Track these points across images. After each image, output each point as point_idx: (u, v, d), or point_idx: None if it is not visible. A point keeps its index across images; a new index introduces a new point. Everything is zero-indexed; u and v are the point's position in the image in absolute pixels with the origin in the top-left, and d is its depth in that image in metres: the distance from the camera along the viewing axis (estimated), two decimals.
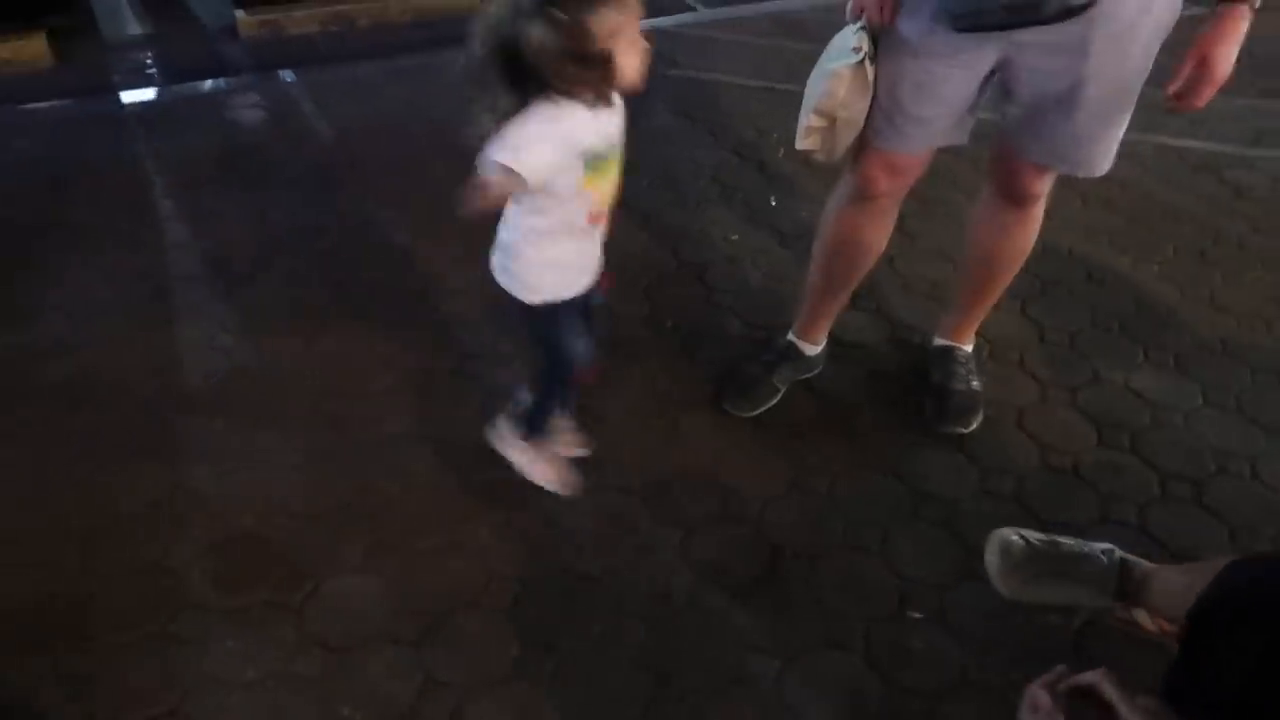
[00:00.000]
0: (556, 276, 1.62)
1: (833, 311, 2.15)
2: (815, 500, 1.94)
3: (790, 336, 2.20)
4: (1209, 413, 2.21)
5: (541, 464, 1.93)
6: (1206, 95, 1.55)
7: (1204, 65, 1.52)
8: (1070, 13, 1.46)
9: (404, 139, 3.23)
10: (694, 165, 3.15)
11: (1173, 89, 1.57)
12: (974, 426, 2.11)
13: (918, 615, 1.73)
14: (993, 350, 2.34)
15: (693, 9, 4.64)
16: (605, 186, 1.54)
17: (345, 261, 2.62)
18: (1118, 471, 2.04)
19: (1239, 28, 1.51)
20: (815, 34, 4.24)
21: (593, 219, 1.56)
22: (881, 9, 1.67)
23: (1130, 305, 2.56)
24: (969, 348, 2.22)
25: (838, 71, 1.70)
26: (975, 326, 2.20)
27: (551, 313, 1.65)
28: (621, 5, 1.33)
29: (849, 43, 1.71)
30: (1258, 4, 1.49)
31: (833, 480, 1.98)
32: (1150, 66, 1.63)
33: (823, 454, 2.04)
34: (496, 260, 1.64)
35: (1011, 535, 1.70)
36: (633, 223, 2.77)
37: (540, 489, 1.92)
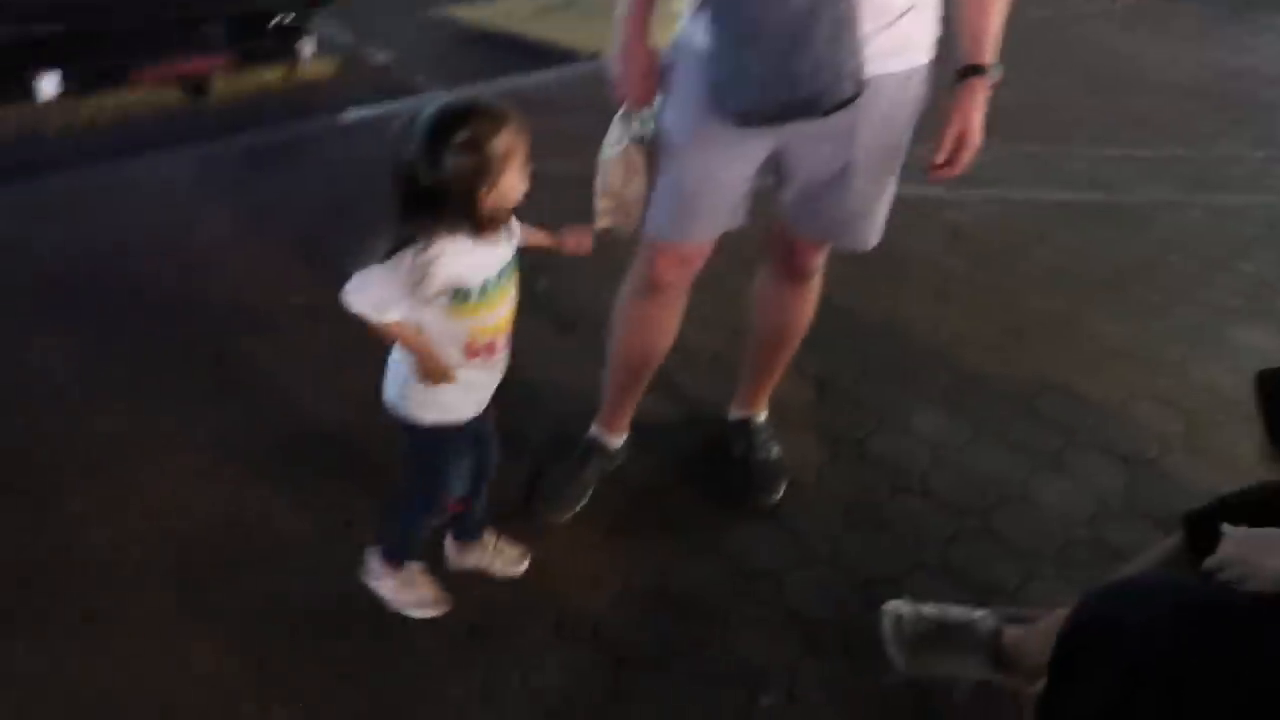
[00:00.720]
0: (442, 396, 1.56)
1: (635, 401, 2.14)
2: (647, 601, 1.90)
3: (593, 431, 2.16)
4: (979, 444, 2.39)
5: (410, 589, 1.82)
6: (967, 160, 1.68)
7: (964, 136, 1.65)
8: (842, 104, 1.53)
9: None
10: None
11: (940, 159, 1.68)
12: (781, 494, 2.16)
13: (768, 702, 1.72)
14: (780, 413, 2.42)
15: (420, 90, 4.55)
16: (486, 318, 1.51)
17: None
18: (915, 516, 2.16)
19: (984, 96, 1.65)
20: (562, 107, 4.34)
21: (471, 352, 1.53)
22: (646, 97, 1.69)
23: (894, 350, 2.74)
24: (763, 416, 2.28)
25: (609, 160, 1.73)
26: (767, 395, 2.27)
27: (439, 435, 1.60)
28: (514, 128, 1.39)
29: (615, 130, 1.73)
30: (998, 76, 1.64)
31: (660, 575, 1.95)
32: (909, 140, 1.74)
33: (645, 548, 2.01)
34: (388, 376, 1.60)
35: (903, 608, 1.73)
36: None
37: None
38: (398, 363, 1.58)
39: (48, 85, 3.51)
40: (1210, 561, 1.24)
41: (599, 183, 1.75)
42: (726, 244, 1.90)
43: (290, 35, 4.08)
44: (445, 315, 1.48)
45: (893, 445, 2.37)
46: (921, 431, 2.42)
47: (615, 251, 1.98)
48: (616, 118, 1.75)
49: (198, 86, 3.86)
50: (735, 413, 2.28)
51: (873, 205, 1.81)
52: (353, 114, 4.10)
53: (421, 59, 4.90)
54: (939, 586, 1.94)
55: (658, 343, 2.01)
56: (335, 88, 4.29)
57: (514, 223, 1.53)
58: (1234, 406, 2.53)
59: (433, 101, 1.40)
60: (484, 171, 1.37)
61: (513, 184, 1.42)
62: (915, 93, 1.68)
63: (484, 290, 1.48)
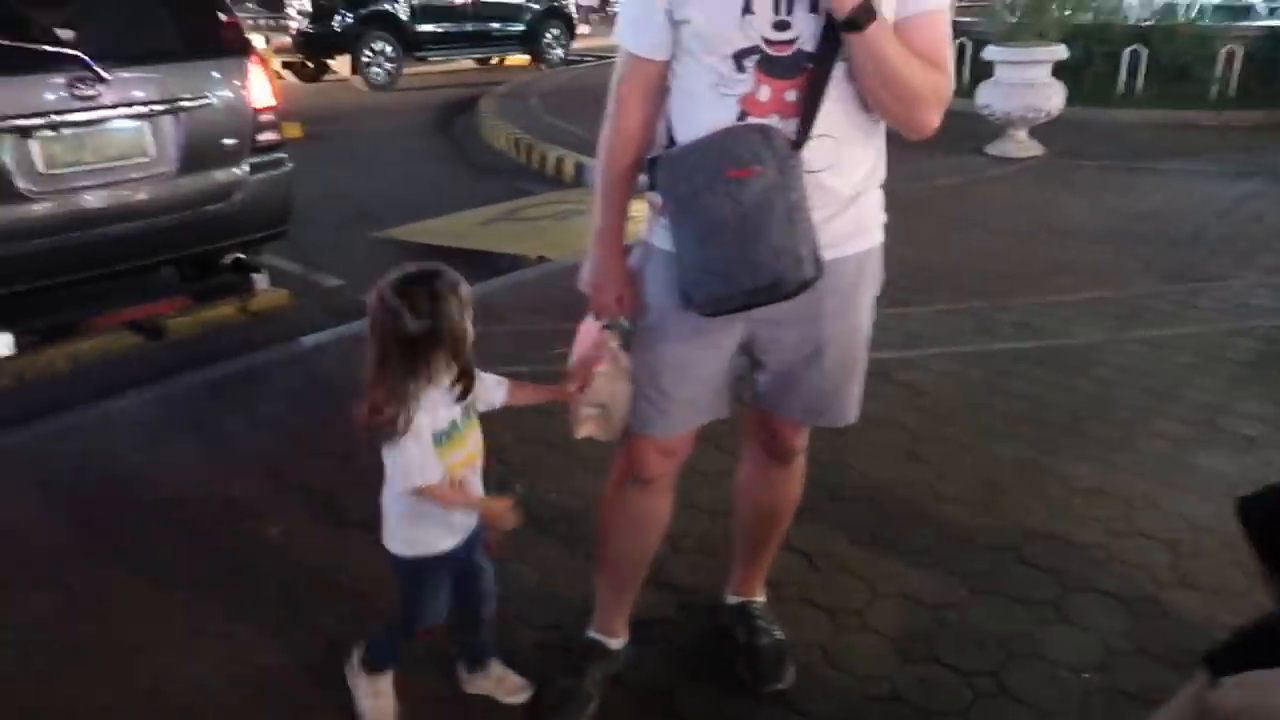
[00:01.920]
0: (421, 533, 1.78)
1: (632, 599, 2.10)
2: None
3: (591, 633, 2.10)
4: (978, 602, 2.37)
5: (373, 698, 1.96)
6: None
7: None
8: (805, 286, 1.60)
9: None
10: None
11: None
12: (790, 678, 2.09)
13: None
14: (774, 591, 2.38)
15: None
16: (458, 454, 1.72)
17: None
18: (929, 684, 2.10)
19: None
20: (513, 312, 4.46)
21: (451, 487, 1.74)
22: (622, 306, 1.75)
23: (873, 516, 2.74)
24: (762, 599, 2.24)
25: (600, 371, 1.76)
26: (763, 577, 2.24)
27: (418, 567, 1.81)
28: (465, 283, 1.67)
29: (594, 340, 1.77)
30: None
31: None
32: (872, 317, 1.82)
33: None
34: (384, 518, 1.82)
35: None
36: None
37: None
38: (388, 506, 1.79)
39: (1, 345, 3.53)
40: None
41: (587, 398, 1.79)
42: (707, 430, 1.93)
43: (242, 271, 4.18)
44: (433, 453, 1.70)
45: (892, 612, 2.33)
46: (918, 595, 2.39)
47: (589, 449, 2.00)
48: (588, 324, 1.81)
49: (152, 329, 3.90)
50: (731, 597, 2.24)
51: (846, 383, 1.86)
52: (308, 340, 4.15)
53: (367, 281, 4.99)
54: None
55: (649, 538, 1.99)
56: (289, 316, 4.37)
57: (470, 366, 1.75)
58: (1212, 535, 2.57)
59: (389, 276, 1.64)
60: (460, 317, 1.63)
61: (471, 332, 1.67)
62: (873, 272, 1.78)
63: (448, 433, 1.70)
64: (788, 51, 1.54)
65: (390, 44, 13.12)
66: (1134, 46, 8.93)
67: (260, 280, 4.24)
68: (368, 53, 12.92)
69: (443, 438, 1.69)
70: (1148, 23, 9.20)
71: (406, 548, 1.80)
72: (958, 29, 10.01)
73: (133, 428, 3.35)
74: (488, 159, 8.67)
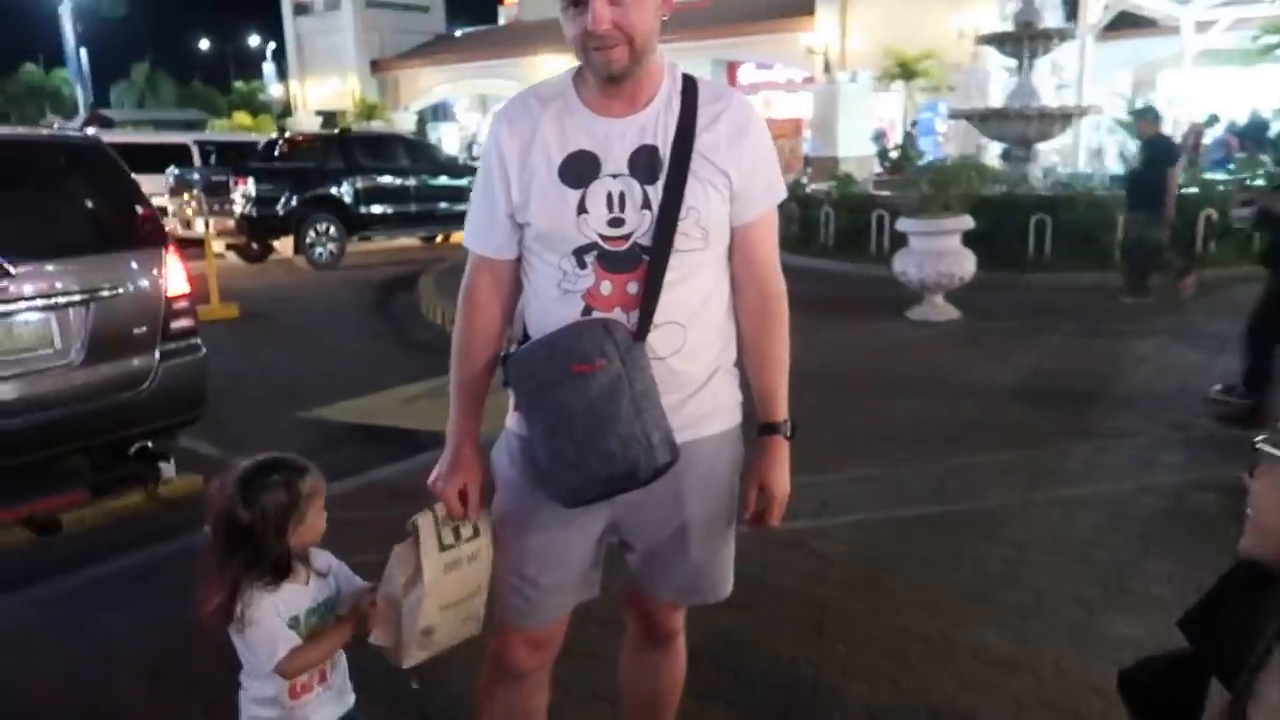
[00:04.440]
0: None
1: None
2: None
3: None
4: None
5: None
6: (777, 515, 1.78)
7: (766, 490, 1.76)
8: (660, 472, 1.62)
9: None
10: None
11: (747, 516, 1.79)
12: None
13: None
14: None
15: None
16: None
17: None
18: None
19: (784, 452, 1.78)
20: (420, 495, 4.39)
21: (301, 686, 1.74)
22: (465, 501, 1.74)
23: (779, 698, 2.66)
24: None
25: (396, 552, 1.76)
26: None
27: None
28: (315, 475, 1.73)
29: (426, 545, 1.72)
30: (789, 432, 1.78)
31: None
32: (736, 494, 1.84)
33: None
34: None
35: None
36: None
37: None
38: (244, 708, 1.77)
39: None
40: None
41: (409, 615, 1.71)
42: (594, 610, 1.89)
43: (149, 459, 4.11)
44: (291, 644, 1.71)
45: None
46: None
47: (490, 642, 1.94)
48: (424, 530, 1.73)
49: (47, 524, 3.77)
50: None
51: (715, 560, 1.86)
52: None
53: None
54: None
55: None
56: (199, 504, 4.26)
57: (333, 565, 1.81)
58: (1120, 706, 2.52)
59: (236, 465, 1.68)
60: (293, 508, 1.66)
61: (315, 523, 1.71)
62: (730, 453, 1.80)
63: (296, 623, 1.70)
64: (624, 246, 1.62)
65: (334, 225, 13.44)
66: (1039, 215, 9.47)
67: (167, 469, 4.16)
68: (311, 233, 13.21)
69: (297, 624, 1.72)
70: (1050, 194, 9.78)
71: None
72: (875, 202, 10.60)
73: (10, 631, 3.18)
74: (424, 336, 8.77)
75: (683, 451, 1.66)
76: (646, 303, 1.62)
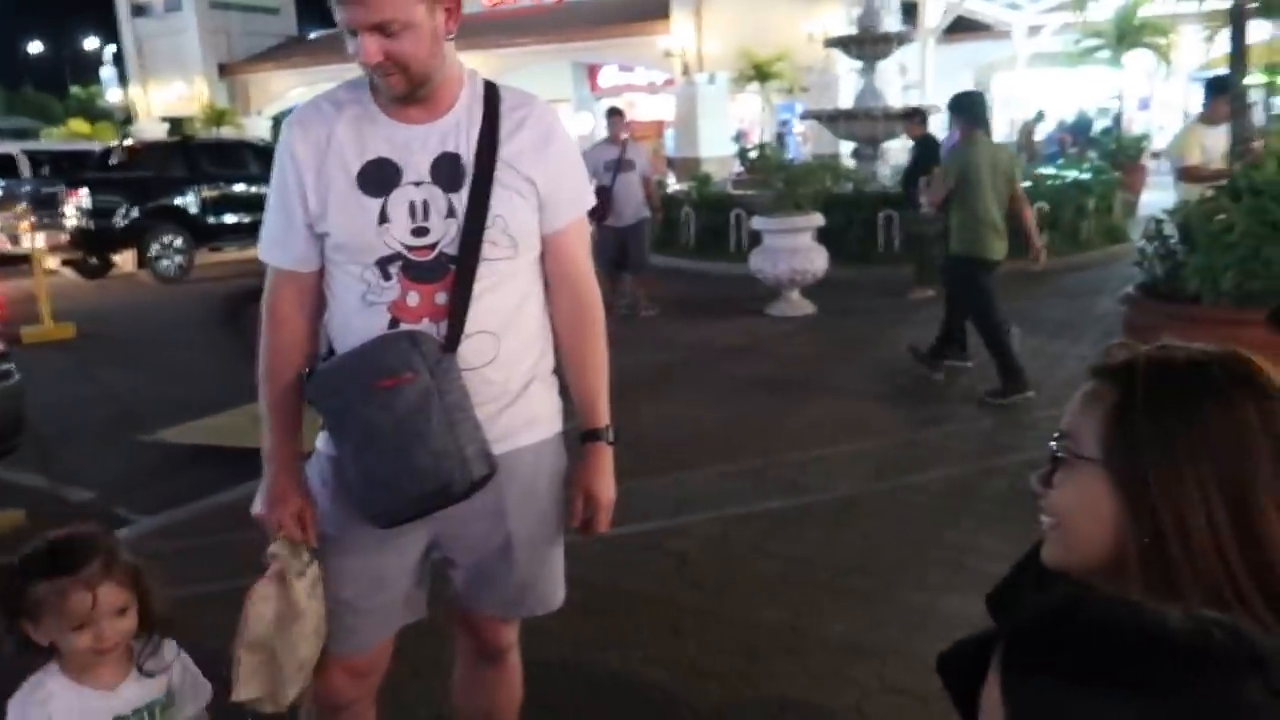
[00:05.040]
0: None
1: None
2: None
3: None
4: None
5: None
6: (604, 522, 1.77)
7: (592, 497, 1.74)
8: (477, 486, 1.58)
9: None
10: None
11: (574, 523, 1.77)
12: None
13: None
14: None
15: (128, 522, 4.30)
16: None
17: None
18: None
19: (606, 458, 1.77)
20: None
21: None
22: (303, 524, 1.65)
23: (633, 702, 2.66)
24: None
25: (258, 592, 1.62)
26: None
27: None
28: (98, 571, 1.40)
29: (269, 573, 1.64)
30: (612, 437, 1.77)
31: None
32: (561, 503, 1.81)
33: None
34: None
35: None
36: None
37: None
38: None
39: None
40: None
41: (240, 635, 1.61)
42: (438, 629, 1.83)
43: None
44: None
45: None
46: None
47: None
48: (288, 558, 1.65)
49: None
50: None
51: (542, 570, 1.83)
52: None
53: (129, 490, 4.69)
54: None
55: None
56: (24, 538, 3.96)
57: (174, 665, 1.53)
58: None
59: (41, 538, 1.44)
60: (72, 613, 1.37)
61: (103, 629, 1.41)
62: (551, 461, 1.78)
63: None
64: (429, 256, 1.57)
65: (180, 236, 12.80)
66: (886, 212, 9.82)
67: None
68: (156, 246, 12.55)
69: None
70: (896, 191, 10.13)
71: None
72: (734, 201, 10.78)
73: None
74: None
75: (502, 463, 1.63)
76: (455, 313, 1.58)
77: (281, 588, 1.62)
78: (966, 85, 21.85)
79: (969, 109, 5.68)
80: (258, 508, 1.71)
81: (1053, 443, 1.04)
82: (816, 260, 7.95)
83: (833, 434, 4.90)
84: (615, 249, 7.85)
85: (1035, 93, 21.11)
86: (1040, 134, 17.82)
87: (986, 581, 2.70)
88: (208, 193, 13.25)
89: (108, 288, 12.68)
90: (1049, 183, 10.84)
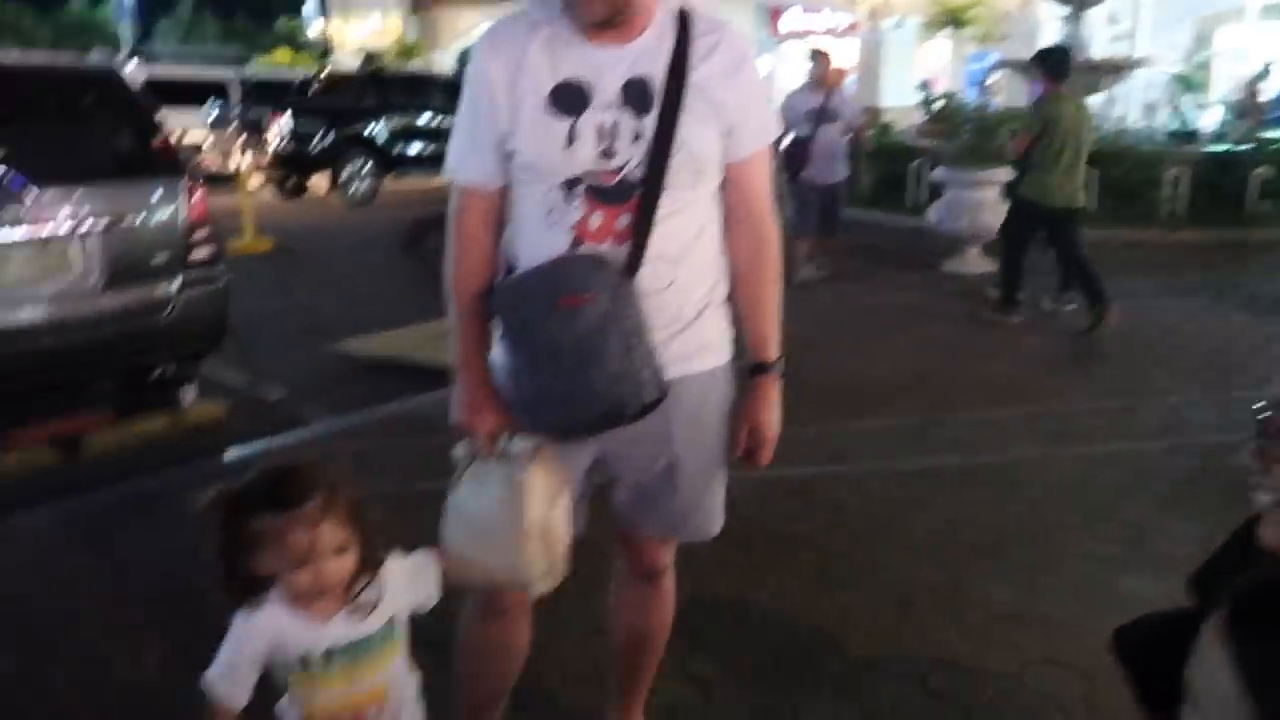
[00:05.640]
0: None
1: None
2: None
3: None
4: None
5: None
6: (766, 454, 1.75)
7: (757, 430, 1.72)
8: (648, 409, 1.59)
9: None
10: None
11: (735, 456, 1.76)
12: None
13: None
14: (667, 718, 2.27)
15: (310, 422, 4.60)
16: (315, 694, 1.44)
17: None
18: None
19: (773, 393, 1.74)
20: (438, 428, 4.41)
21: None
22: (506, 426, 1.67)
23: (779, 640, 2.65)
24: None
25: (520, 483, 1.60)
26: (641, 704, 2.14)
27: None
28: (321, 503, 1.36)
29: (492, 472, 1.64)
30: (781, 369, 1.74)
31: None
32: (726, 431, 1.80)
33: None
34: None
35: None
36: None
37: None
38: None
39: None
40: None
41: (520, 546, 1.59)
42: (598, 541, 1.87)
43: (170, 385, 4.15)
44: (296, 684, 1.44)
45: None
46: None
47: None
48: (471, 468, 1.67)
49: (71, 445, 3.83)
50: None
51: (704, 497, 1.83)
52: (234, 453, 4.09)
53: (314, 393, 5.01)
54: None
55: (506, 668, 1.91)
56: (223, 429, 4.32)
57: (382, 601, 1.46)
58: None
59: (262, 462, 1.42)
60: (291, 551, 1.36)
61: (323, 569, 1.37)
62: (719, 390, 1.76)
63: (303, 669, 1.43)
64: (614, 179, 1.57)
65: (369, 162, 13.43)
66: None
67: (188, 394, 4.21)
68: (347, 171, 13.21)
69: (304, 664, 1.44)
70: (1095, 147, 9.45)
71: None
72: (916, 152, 10.35)
73: (33, 546, 3.25)
74: None
75: (671, 388, 1.62)
76: (637, 237, 1.58)
77: (546, 470, 1.63)
78: (1184, 38, 20.10)
79: (1054, 63, 6.12)
80: (456, 416, 1.74)
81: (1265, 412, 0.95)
82: (1001, 216, 7.52)
83: (1006, 396, 4.68)
84: (815, 208, 7.09)
85: (1264, 48, 19.14)
86: (1265, 94, 16.18)
87: (1168, 562, 2.55)
88: (395, 123, 13.79)
89: (302, 208, 13.47)
90: (1271, 147, 9.85)
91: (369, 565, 1.44)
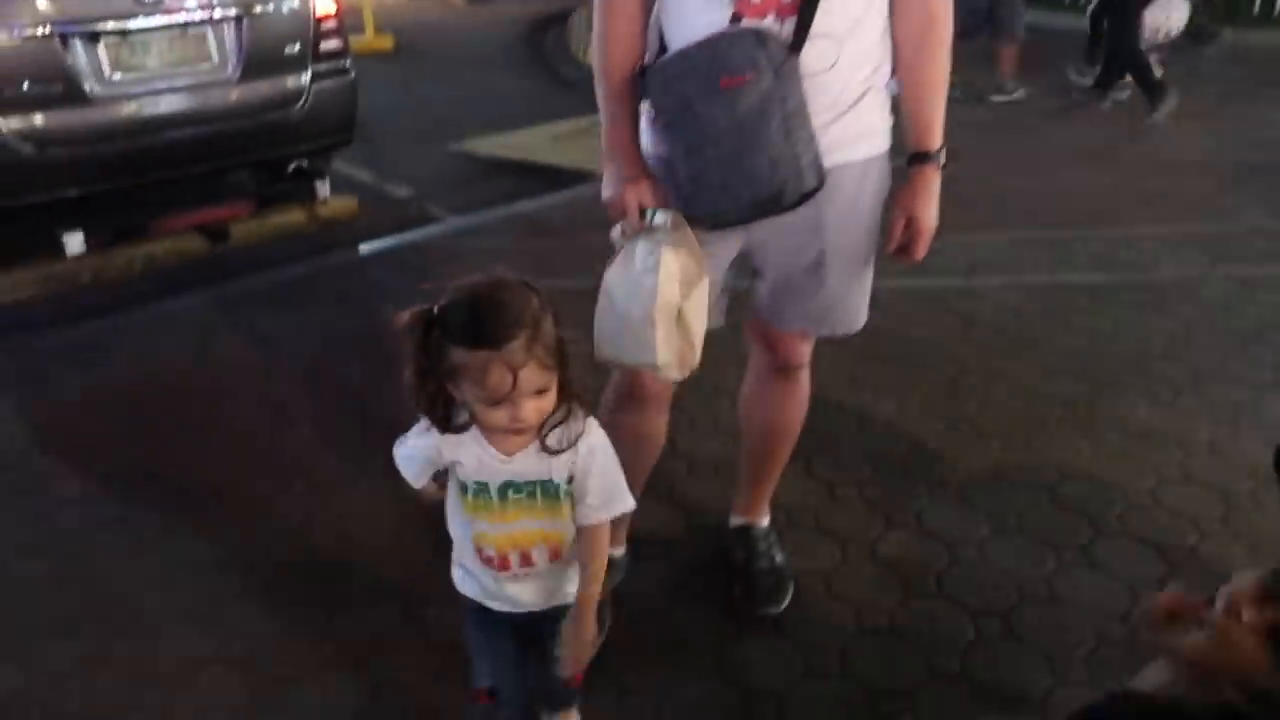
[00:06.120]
0: (460, 574, 1.52)
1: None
2: None
3: None
4: (999, 540, 2.27)
5: None
6: (922, 248, 1.67)
7: (914, 222, 1.63)
8: (806, 197, 1.52)
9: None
10: None
11: (891, 248, 1.68)
12: (785, 604, 2.05)
13: None
14: (789, 517, 2.32)
15: (438, 219, 4.67)
16: (482, 525, 1.41)
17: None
18: (931, 620, 2.03)
19: (933, 184, 1.64)
20: (561, 229, 4.43)
21: (485, 560, 1.43)
22: (655, 198, 1.62)
23: (904, 446, 2.64)
24: (765, 522, 2.19)
25: (658, 260, 1.55)
26: (767, 499, 2.18)
27: (468, 610, 1.54)
28: (524, 341, 1.23)
29: (637, 249, 1.59)
30: (943, 160, 1.63)
31: (658, 701, 1.85)
32: (879, 224, 1.73)
33: (641, 671, 1.91)
34: None
35: None
36: None
37: None
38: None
39: (73, 243, 3.68)
40: None
41: (650, 328, 1.54)
42: (725, 345, 1.87)
43: (306, 178, 4.24)
44: (456, 495, 1.43)
45: (905, 546, 2.25)
46: (935, 530, 2.30)
47: None
48: (627, 244, 1.62)
49: (217, 233, 4.00)
50: (735, 519, 2.20)
51: (850, 291, 1.78)
52: (369, 246, 4.21)
53: (439, 191, 5.06)
54: (956, 697, 1.81)
55: (647, 451, 1.95)
56: (356, 223, 4.43)
57: (573, 444, 1.36)
58: (1270, 488, 2.38)
59: (477, 279, 1.31)
60: (491, 390, 1.26)
61: (521, 410, 1.28)
62: (876, 179, 1.68)
63: (475, 493, 1.38)
64: None
65: None
66: None
67: (322, 188, 4.30)
68: None
69: (474, 492, 1.40)
70: None
71: (456, 580, 1.54)
72: None
73: (187, 327, 3.46)
74: (574, 74, 8.51)
75: (828, 176, 1.54)
76: (803, 11, 1.46)
77: (686, 254, 1.59)
78: None
79: None
80: (608, 193, 1.69)
81: None
82: (1173, 14, 6.78)
83: (1160, 213, 4.36)
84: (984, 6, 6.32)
85: None
86: None
87: None
88: None
89: (421, 5, 13.21)
90: None
91: (566, 405, 1.34)
